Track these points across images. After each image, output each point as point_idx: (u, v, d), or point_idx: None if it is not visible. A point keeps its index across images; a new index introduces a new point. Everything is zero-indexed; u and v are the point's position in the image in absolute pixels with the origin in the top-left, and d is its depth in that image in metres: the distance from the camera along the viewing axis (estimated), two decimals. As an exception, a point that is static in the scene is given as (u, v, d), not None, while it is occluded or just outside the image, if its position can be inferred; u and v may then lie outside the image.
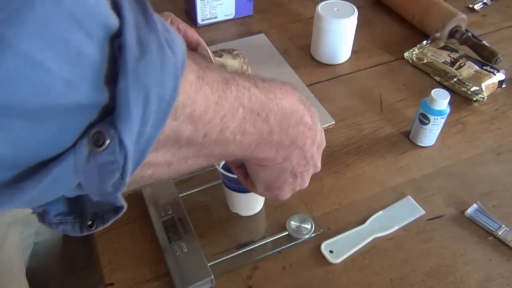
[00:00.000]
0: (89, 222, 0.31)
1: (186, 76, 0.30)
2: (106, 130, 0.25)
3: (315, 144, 0.48)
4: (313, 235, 0.63)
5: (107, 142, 0.25)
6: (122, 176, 0.27)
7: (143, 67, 0.25)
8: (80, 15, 0.23)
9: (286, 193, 0.52)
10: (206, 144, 0.35)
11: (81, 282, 0.88)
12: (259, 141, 0.41)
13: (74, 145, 0.25)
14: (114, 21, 0.25)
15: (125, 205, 0.31)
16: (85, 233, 0.31)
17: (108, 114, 0.25)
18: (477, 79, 0.84)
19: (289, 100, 0.43)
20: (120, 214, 0.31)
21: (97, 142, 0.25)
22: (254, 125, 0.39)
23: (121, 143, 0.25)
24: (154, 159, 0.32)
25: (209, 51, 0.67)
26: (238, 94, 0.36)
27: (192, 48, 0.67)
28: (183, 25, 0.66)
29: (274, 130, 0.41)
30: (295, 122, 0.44)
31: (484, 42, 0.93)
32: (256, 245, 0.62)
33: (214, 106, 0.33)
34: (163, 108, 0.27)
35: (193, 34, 0.67)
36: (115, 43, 0.25)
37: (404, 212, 0.66)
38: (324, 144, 0.50)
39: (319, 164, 0.51)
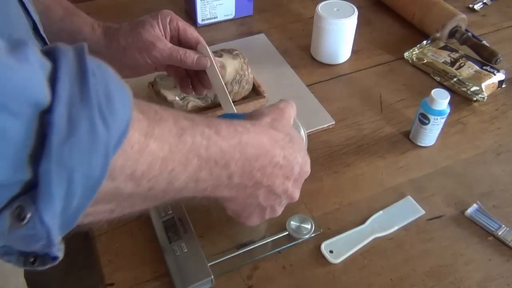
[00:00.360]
0: (31, 259, 0.30)
1: (130, 137, 0.30)
2: (28, 205, 0.25)
3: (290, 179, 0.47)
4: (313, 235, 0.63)
5: (28, 216, 0.25)
6: (48, 244, 0.26)
7: (68, 150, 0.25)
8: (2, 96, 0.23)
9: (254, 221, 0.51)
10: (152, 194, 0.34)
11: (81, 281, 0.88)
12: (217, 185, 0.40)
13: None
14: (45, 97, 0.25)
15: (61, 255, 0.30)
16: (28, 268, 0.30)
17: (32, 188, 0.25)
18: (477, 79, 0.84)
19: (257, 142, 0.42)
20: (57, 262, 0.30)
21: (19, 216, 0.25)
22: (210, 173, 0.38)
23: (41, 220, 0.25)
24: (93, 211, 0.31)
25: (208, 49, 0.67)
26: (193, 145, 0.35)
27: (191, 46, 0.67)
28: (183, 24, 0.66)
29: (234, 175, 0.40)
30: (260, 165, 0.42)
31: (484, 42, 0.93)
32: (256, 245, 0.62)
33: (161, 162, 0.33)
34: (91, 186, 0.27)
35: (192, 32, 0.67)
36: (45, 119, 0.24)
37: (404, 212, 0.66)
38: (307, 173, 0.50)
39: (295, 195, 0.50)
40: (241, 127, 0.41)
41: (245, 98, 0.81)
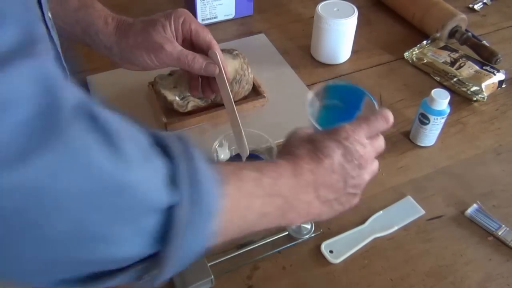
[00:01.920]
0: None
1: (224, 212, 0.37)
2: (152, 269, 0.33)
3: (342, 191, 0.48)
4: (313, 235, 0.63)
5: (149, 277, 0.34)
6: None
7: (189, 241, 0.34)
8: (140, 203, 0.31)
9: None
10: (235, 229, 0.41)
11: None
12: (280, 213, 0.44)
13: (124, 270, 0.33)
14: (169, 199, 0.32)
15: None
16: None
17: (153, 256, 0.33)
18: (477, 79, 0.84)
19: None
20: None
21: (142, 274, 0.33)
22: (269, 206, 0.43)
23: (160, 279, 0.34)
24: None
25: (219, 56, 0.65)
26: (251, 189, 0.42)
27: (203, 50, 0.65)
28: (195, 26, 0.64)
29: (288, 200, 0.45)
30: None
31: (484, 42, 0.93)
32: (256, 245, 0.62)
33: (236, 212, 0.40)
34: (201, 253, 0.36)
35: (205, 35, 0.65)
36: (171, 213, 0.32)
37: (404, 212, 0.66)
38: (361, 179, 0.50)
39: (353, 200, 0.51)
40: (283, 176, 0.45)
41: (245, 98, 0.81)
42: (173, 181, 0.33)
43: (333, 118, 0.52)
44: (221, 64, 0.64)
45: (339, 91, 0.60)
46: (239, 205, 0.40)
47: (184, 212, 0.32)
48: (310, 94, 0.58)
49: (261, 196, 0.42)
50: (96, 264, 0.31)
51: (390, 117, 0.52)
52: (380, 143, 0.52)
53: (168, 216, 0.32)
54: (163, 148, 0.34)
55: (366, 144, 0.49)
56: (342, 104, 0.60)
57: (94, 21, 0.63)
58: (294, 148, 0.48)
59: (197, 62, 0.63)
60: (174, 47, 0.62)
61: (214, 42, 0.66)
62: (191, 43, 0.66)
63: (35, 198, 0.25)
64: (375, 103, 0.57)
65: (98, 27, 0.63)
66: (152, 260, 0.33)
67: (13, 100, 0.23)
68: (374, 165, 0.51)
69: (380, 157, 0.70)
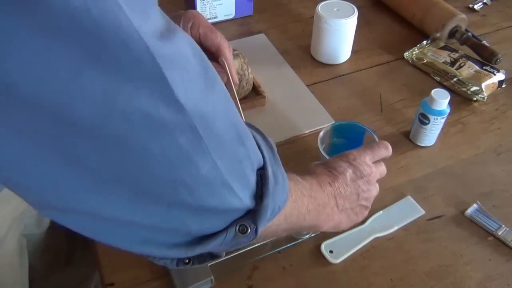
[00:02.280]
0: (186, 260, 0.40)
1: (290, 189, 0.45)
2: (249, 224, 0.39)
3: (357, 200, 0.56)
4: (313, 235, 0.63)
5: (248, 231, 0.39)
6: (246, 245, 0.42)
7: (276, 192, 0.40)
8: (252, 156, 0.39)
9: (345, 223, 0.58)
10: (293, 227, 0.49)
11: (65, 278, 0.88)
12: (318, 210, 0.51)
13: (226, 229, 0.38)
14: (261, 159, 0.41)
15: (223, 255, 0.43)
16: (179, 267, 0.40)
17: (249, 212, 0.39)
18: (477, 79, 0.84)
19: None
20: (216, 261, 0.44)
21: (242, 231, 0.39)
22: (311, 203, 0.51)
23: (256, 232, 0.39)
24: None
25: (226, 63, 0.63)
26: (299, 203, 0.49)
27: (212, 53, 0.64)
28: (204, 30, 0.62)
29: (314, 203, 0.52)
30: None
31: (484, 42, 0.93)
32: (256, 245, 0.62)
33: (305, 210, 0.49)
34: (280, 210, 0.43)
35: (214, 39, 0.63)
36: (258, 173, 0.40)
37: (404, 212, 0.66)
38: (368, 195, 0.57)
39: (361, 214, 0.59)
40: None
41: (245, 98, 0.81)
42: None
43: (340, 151, 0.59)
44: (229, 71, 0.63)
45: (344, 129, 0.70)
46: (296, 197, 0.48)
47: (271, 177, 0.40)
48: (321, 133, 0.68)
49: (306, 195, 0.49)
50: (216, 213, 0.37)
51: (389, 146, 0.61)
52: (383, 167, 0.60)
53: (261, 177, 0.40)
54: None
55: (371, 165, 0.57)
56: (347, 139, 0.70)
57: None
58: (311, 170, 0.56)
59: None
60: None
61: (224, 45, 0.64)
62: (201, 46, 0.65)
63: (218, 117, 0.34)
64: (375, 137, 0.67)
65: None
66: (248, 217, 0.39)
67: (187, 56, 0.31)
68: (377, 186, 0.59)
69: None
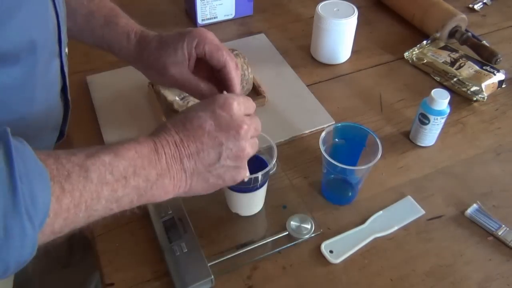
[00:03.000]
0: None
1: (49, 214, 0.38)
2: None
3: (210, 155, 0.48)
4: (313, 235, 0.63)
5: None
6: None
7: (6, 251, 0.36)
8: None
9: (228, 179, 0.51)
10: (79, 222, 0.41)
11: (62, 280, 0.88)
12: (141, 192, 0.44)
13: None
14: None
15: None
16: None
17: None
18: (477, 79, 0.84)
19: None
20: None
21: None
22: (125, 187, 0.43)
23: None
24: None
25: (232, 84, 0.60)
26: (100, 177, 0.41)
27: (219, 70, 0.61)
28: (210, 48, 0.59)
29: (151, 175, 0.45)
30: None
31: (484, 42, 0.93)
32: (256, 245, 0.62)
33: (73, 210, 0.39)
34: (23, 263, 0.38)
35: (219, 57, 0.60)
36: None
37: (404, 212, 0.66)
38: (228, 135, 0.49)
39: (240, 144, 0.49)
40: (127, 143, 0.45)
41: (245, 98, 0.81)
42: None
43: (342, 153, 0.57)
44: (234, 90, 0.60)
45: (346, 130, 0.68)
46: (59, 205, 0.40)
47: (2, 226, 0.35)
48: (323, 134, 0.65)
49: (111, 181, 0.42)
50: None
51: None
52: (258, 121, 0.52)
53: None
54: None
55: (243, 117, 0.50)
56: (349, 141, 0.68)
57: (117, 38, 0.63)
58: (160, 126, 0.49)
59: (200, 93, 0.61)
60: (181, 73, 0.60)
61: (230, 65, 0.60)
62: (207, 64, 0.62)
63: None
64: (377, 140, 0.64)
65: (121, 44, 0.63)
66: None
67: None
68: (253, 142, 0.51)
69: (380, 157, 0.70)
